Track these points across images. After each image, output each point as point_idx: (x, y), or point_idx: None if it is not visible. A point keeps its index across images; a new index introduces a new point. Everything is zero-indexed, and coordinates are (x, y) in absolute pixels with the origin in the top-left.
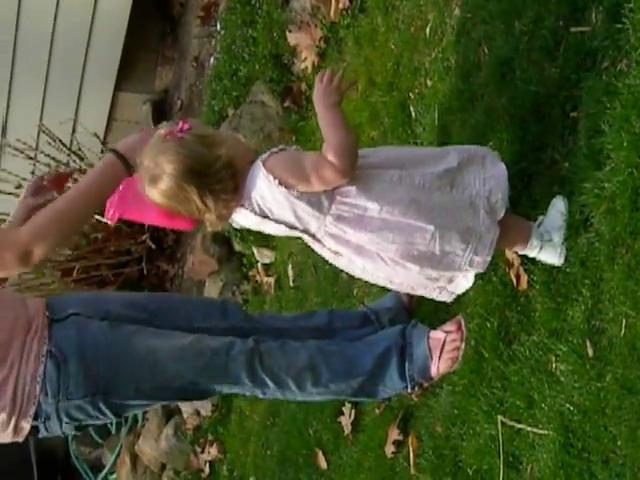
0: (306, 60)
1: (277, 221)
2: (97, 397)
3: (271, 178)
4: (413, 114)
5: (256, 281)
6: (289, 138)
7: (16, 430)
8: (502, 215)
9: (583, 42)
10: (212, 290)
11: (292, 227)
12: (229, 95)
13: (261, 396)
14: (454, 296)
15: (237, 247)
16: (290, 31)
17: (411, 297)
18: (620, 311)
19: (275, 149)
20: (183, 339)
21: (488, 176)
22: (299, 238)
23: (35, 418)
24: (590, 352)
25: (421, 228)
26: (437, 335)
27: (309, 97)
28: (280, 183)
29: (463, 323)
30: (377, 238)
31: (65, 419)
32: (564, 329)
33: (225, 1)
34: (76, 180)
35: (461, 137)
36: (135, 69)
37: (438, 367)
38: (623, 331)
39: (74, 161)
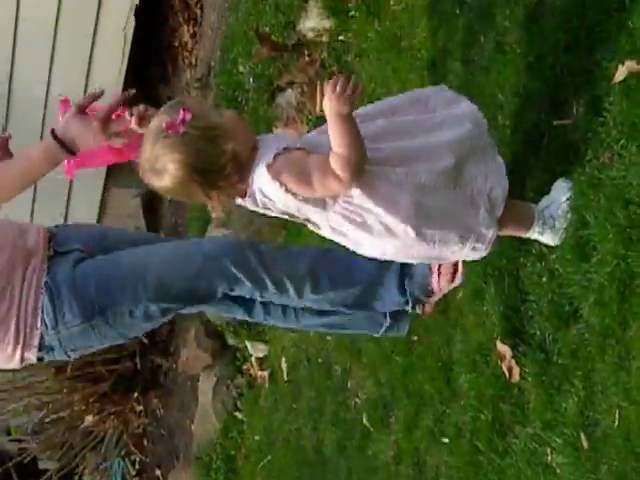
0: None
1: (279, 212)
2: (96, 319)
3: (277, 185)
4: None
5: (250, 375)
6: (279, 232)
7: (22, 360)
8: (501, 212)
9: (566, 135)
10: (206, 385)
11: (293, 217)
12: None
13: (259, 298)
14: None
15: (230, 341)
16: (276, 127)
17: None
18: (613, 402)
19: (280, 147)
20: (171, 246)
21: (490, 171)
22: (292, 332)
23: (40, 349)
24: (585, 444)
25: (421, 233)
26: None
27: None
28: (286, 190)
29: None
30: (376, 241)
31: (70, 352)
32: (558, 421)
33: (211, 97)
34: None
35: None
36: (125, 164)
37: (439, 282)
38: (617, 422)
39: None
